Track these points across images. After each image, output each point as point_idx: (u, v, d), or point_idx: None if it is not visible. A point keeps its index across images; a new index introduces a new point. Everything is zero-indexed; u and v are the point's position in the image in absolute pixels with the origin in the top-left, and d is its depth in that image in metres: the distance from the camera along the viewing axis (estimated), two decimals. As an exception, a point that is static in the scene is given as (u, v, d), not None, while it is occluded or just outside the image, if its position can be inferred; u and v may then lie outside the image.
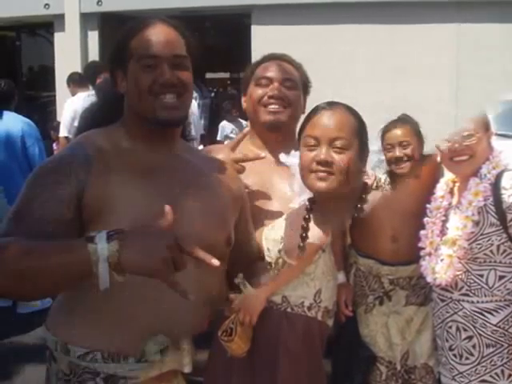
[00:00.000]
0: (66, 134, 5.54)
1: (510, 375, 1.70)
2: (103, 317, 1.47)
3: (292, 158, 1.82)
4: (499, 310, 1.68)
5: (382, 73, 6.79)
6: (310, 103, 1.90)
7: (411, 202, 1.86)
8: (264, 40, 6.84)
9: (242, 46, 7.92)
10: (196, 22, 7.31)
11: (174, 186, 1.56)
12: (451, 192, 1.85)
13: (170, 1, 7.25)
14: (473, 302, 1.69)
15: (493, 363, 1.69)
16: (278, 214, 1.84)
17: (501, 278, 1.68)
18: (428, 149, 2.94)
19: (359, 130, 1.65)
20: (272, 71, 2.02)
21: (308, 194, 1.74)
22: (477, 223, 1.68)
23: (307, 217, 1.72)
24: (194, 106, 5.48)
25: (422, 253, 1.77)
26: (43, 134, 5.65)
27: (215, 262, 1.31)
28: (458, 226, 1.70)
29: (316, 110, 1.67)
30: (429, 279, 1.73)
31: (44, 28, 9.68)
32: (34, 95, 10.14)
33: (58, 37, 8.45)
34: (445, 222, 1.77)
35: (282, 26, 7.04)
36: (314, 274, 1.65)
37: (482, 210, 1.69)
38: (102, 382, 1.47)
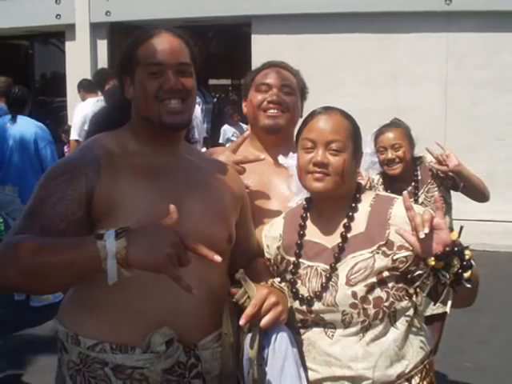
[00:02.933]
0: (76, 137, 5.53)
1: None
2: (111, 310, 1.47)
3: (290, 160, 1.82)
4: None
5: (375, 79, 6.79)
6: (307, 108, 1.90)
7: None
8: (263, 48, 6.84)
9: (243, 54, 7.92)
10: (199, 32, 7.31)
11: (178, 186, 1.56)
12: None
13: (175, 11, 7.25)
14: None
15: None
16: (277, 213, 1.84)
17: None
18: (418, 151, 2.95)
19: (354, 133, 1.65)
20: (271, 78, 2.02)
21: (305, 194, 1.74)
22: None
23: (304, 215, 1.71)
24: (198, 110, 5.46)
25: None
26: (55, 137, 5.67)
27: (217, 258, 1.31)
28: None
29: (313, 115, 1.66)
30: None
31: (56, 37, 9.68)
32: (46, 100, 10.15)
33: (69, 45, 8.45)
34: None
35: (281, 35, 7.03)
36: None
37: None
38: (110, 371, 1.47)
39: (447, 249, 1.41)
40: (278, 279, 1.65)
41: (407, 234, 1.47)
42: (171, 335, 1.47)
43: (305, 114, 1.77)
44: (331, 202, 1.65)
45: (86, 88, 5.94)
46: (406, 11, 6.62)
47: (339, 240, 1.62)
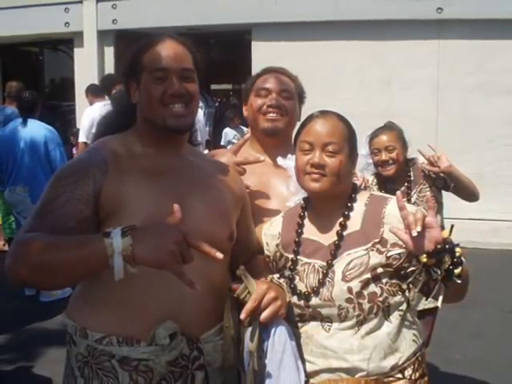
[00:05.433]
0: (84, 140, 5.53)
1: None
2: (117, 305, 1.47)
3: (288, 161, 1.82)
4: None
5: (370, 84, 6.79)
6: (305, 111, 1.90)
7: None
8: (263, 55, 6.84)
9: (243, 60, 7.91)
10: (202, 39, 7.30)
11: (181, 186, 1.56)
12: None
13: (179, 20, 7.24)
14: None
15: None
16: (276, 212, 1.84)
17: None
18: (411, 153, 2.95)
19: (349, 135, 1.65)
20: (270, 83, 2.02)
21: (303, 194, 1.74)
22: None
23: (302, 214, 1.72)
24: (200, 114, 5.46)
25: None
26: (64, 139, 5.67)
27: (219, 255, 1.31)
28: None
29: (310, 118, 1.66)
30: None
31: (64, 44, 9.67)
32: (55, 105, 10.13)
33: (77, 52, 8.44)
34: None
35: (279, 42, 7.03)
36: None
37: None
38: (116, 363, 1.47)
39: (439, 246, 1.41)
40: (277, 275, 1.65)
41: (400, 232, 1.47)
42: (175, 329, 1.47)
43: (303, 118, 1.77)
44: (328, 202, 1.65)
45: (93, 92, 5.94)
46: (399, 19, 6.62)
47: (335, 238, 1.62)
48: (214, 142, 7.70)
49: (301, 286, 1.63)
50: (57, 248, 1.32)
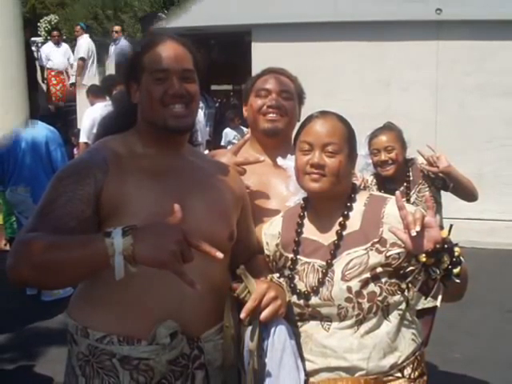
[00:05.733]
0: (85, 140, 5.54)
1: None
2: (118, 304, 1.47)
3: (288, 162, 1.82)
4: None
5: (369, 85, 6.79)
6: (305, 112, 1.90)
7: None
8: (263, 55, 6.83)
9: (243, 61, 7.91)
10: (202, 40, 7.29)
11: (182, 186, 1.56)
12: None
13: (179, 20, 7.25)
14: None
15: None
16: (276, 212, 1.84)
17: None
18: (410, 153, 2.95)
19: (349, 136, 1.65)
20: (270, 83, 2.02)
21: (303, 194, 1.74)
22: None
23: (302, 214, 1.72)
24: (201, 114, 5.47)
25: None
26: (65, 139, 5.67)
27: (219, 254, 1.31)
28: None
29: (310, 118, 1.66)
30: None
31: (66, 45, 9.69)
32: (57, 105, 10.12)
33: (78, 53, 8.46)
34: None
35: (279, 43, 7.03)
36: None
37: None
38: (117, 362, 1.47)
39: (438, 246, 1.41)
40: (277, 275, 1.65)
41: (400, 231, 1.47)
42: (175, 328, 1.47)
43: (302, 118, 1.77)
44: (327, 202, 1.65)
45: (94, 93, 5.94)
46: (398, 20, 6.61)
47: (335, 238, 1.62)
48: (214, 143, 7.70)
49: (300, 286, 1.63)
50: (58, 248, 1.32)
